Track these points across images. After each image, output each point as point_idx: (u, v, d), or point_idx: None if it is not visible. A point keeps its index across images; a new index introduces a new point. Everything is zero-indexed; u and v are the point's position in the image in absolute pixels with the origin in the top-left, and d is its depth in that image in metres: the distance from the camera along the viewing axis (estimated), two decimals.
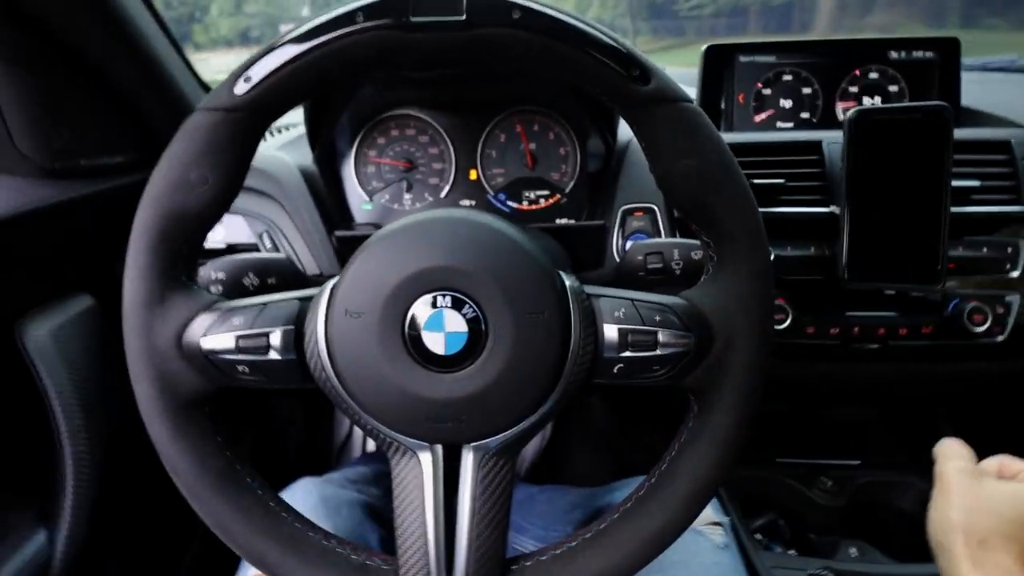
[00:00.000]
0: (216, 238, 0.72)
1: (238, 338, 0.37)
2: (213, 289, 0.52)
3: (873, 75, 0.80)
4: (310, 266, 0.72)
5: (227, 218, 0.74)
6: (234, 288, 0.52)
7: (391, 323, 0.36)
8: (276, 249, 0.71)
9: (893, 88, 0.80)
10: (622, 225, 0.72)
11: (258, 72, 0.35)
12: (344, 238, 0.68)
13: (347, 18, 0.34)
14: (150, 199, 0.37)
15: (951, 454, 0.44)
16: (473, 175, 0.79)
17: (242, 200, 0.73)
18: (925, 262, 0.62)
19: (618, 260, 0.71)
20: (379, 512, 0.65)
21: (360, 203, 0.80)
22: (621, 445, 1.15)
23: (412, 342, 0.36)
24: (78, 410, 0.59)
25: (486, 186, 0.79)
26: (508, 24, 0.34)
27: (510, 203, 0.78)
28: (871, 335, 0.70)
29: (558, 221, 0.78)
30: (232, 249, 0.72)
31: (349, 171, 0.80)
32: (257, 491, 0.40)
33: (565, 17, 0.34)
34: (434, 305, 0.36)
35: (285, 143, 0.82)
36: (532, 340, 0.36)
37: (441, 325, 0.35)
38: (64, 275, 0.67)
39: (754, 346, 0.38)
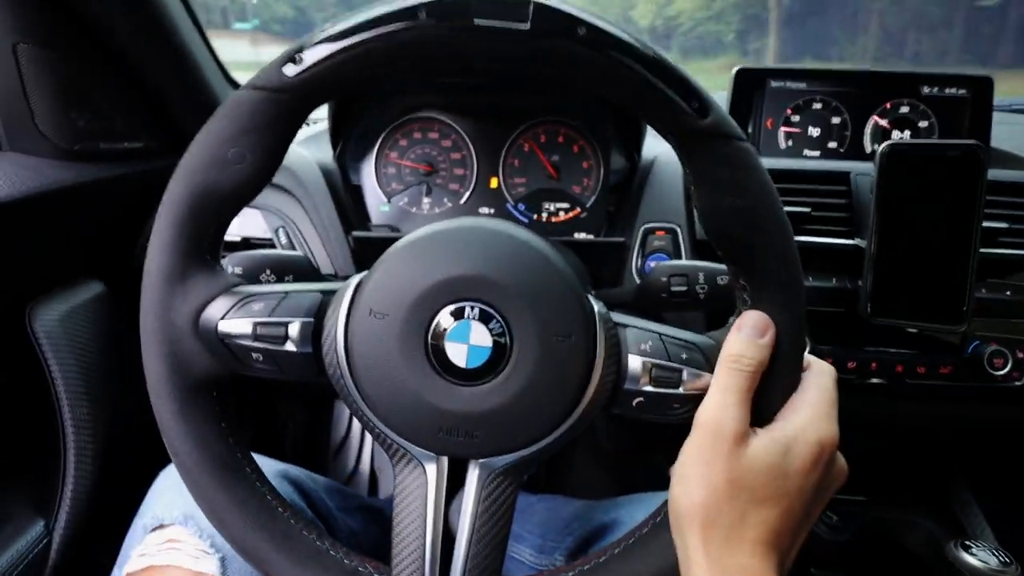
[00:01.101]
0: (232, 230, 0.71)
1: (256, 324, 0.37)
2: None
3: (904, 109, 0.79)
4: (325, 265, 0.71)
5: (245, 211, 0.73)
6: (251, 283, 0.51)
7: (415, 328, 0.35)
8: (292, 246, 0.70)
9: (923, 124, 0.79)
10: (643, 244, 0.71)
11: (311, 56, 0.34)
12: (362, 239, 0.67)
13: (409, 13, 0.33)
14: (183, 173, 0.36)
15: (736, 354, 0.34)
16: (494, 183, 0.78)
17: (261, 194, 0.73)
18: (950, 302, 0.61)
19: (637, 279, 0.70)
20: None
21: (378, 204, 0.79)
22: (623, 460, 1.14)
23: (434, 350, 0.35)
24: (83, 399, 0.58)
25: (506, 195, 0.78)
26: (572, 38, 0.33)
27: (529, 214, 0.78)
28: (889, 371, 0.69)
29: (576, 236, 0.77)
30: (247, 243, 0.71)
31: (369, 171, 0.79)
32: (255, 483, 0.39)
33: (631, 39, 0.33)
34: (461, 315, 0.35)
35: (306, 138, 0.82)
36: (555, 363, 0.35)
37: (466, 337, 0.35)
38: (77, 260, 0.66)
39: (786, 397, 0.36)
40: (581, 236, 0.77)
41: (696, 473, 0.33)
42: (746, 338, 0.35)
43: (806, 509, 0.34)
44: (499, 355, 0.35)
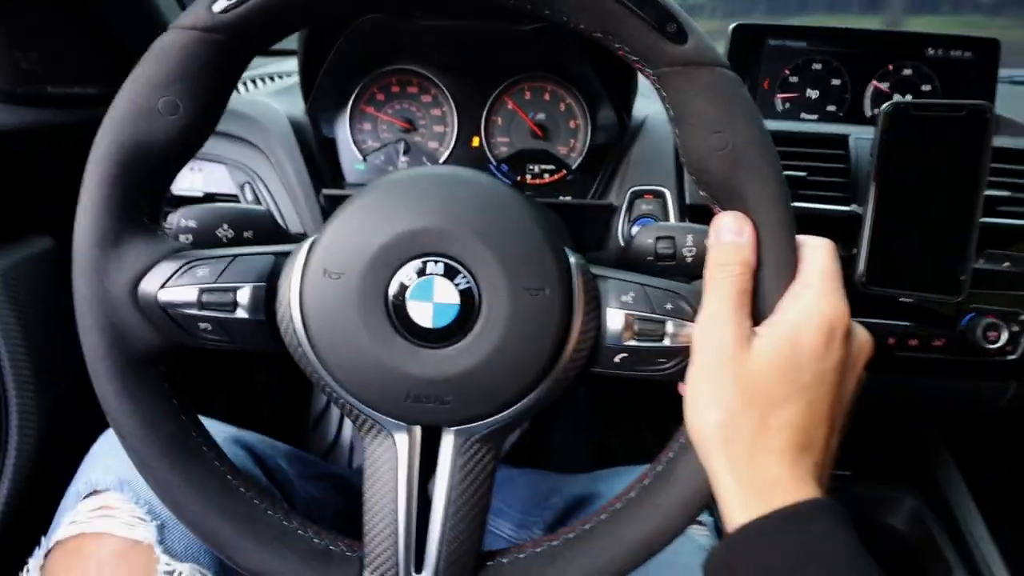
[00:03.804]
0: (194, 186, 0.66)
1: (201, 291, 0.34)
2: (183, 238, 0.48)
3: (907, 71, 0.76)
4: (294, 224, 0.67)
5: (207, 166, 0.69)
6: (206, 238, 0.47)
7: (373, 288, 0.32)
8: (258, 202, 0.66)
9: (926, 87, 0.76)
10: (629, 207, 0.68)
11: None
12: (333, 197, 0.64)
13: None
14: (110, 125, 0.33)
15: (724, 257, 0.32)
16: (476, 142, 0.74)
17: (224, 147, 0.68)
18: (948, 272, 0.59)
19: (622, 244, 0.67)
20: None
21: (353, 162, 0.75)
22: (603, 432, 1.12)
23: (396, 311, 0.32)
24: (25, 360, 0.54)
25: (488, 155, 0.74)
26: None
27: (513, 175, 0.74)
28: (880, 343, 0.66)
29: (561, 198, 0.74)
30: (210, 198, 0.67)
31: (344, 127, 0.74)
32: (213, 462, 0.37)
33: None
34: (423, 272, 0.32)
35: (276, 91, 0.77)
36: (529, 319, 0.33)
37: (430, 294, 0.32)
38: (24, 212, 0.61)
39: None
40: (566, 199, 0.73)
41: (706, 394, 0.31)
42: (725, 241, 0.32)
43: (833, 398, 0.31)
44: (467, 313, 0.32)
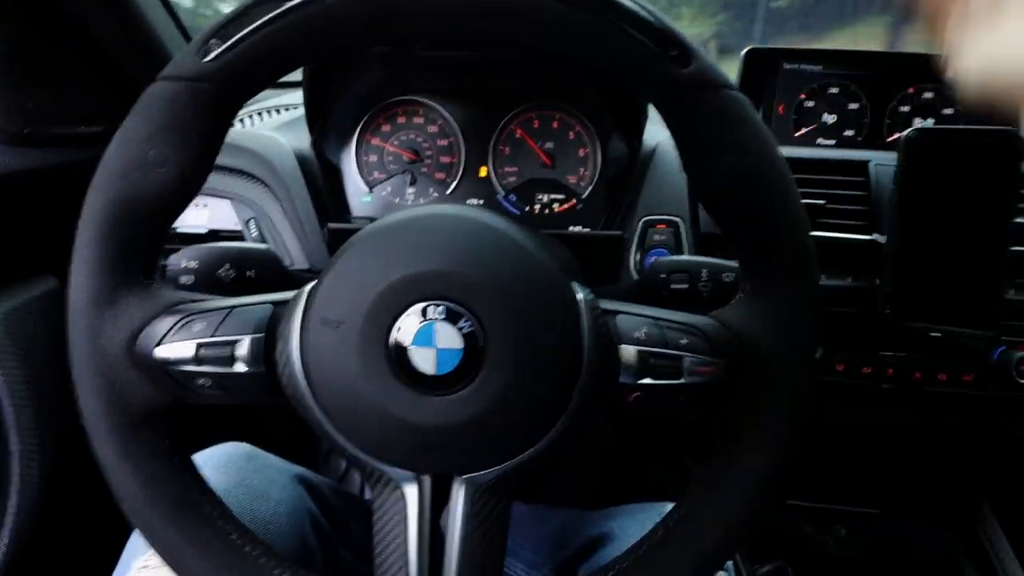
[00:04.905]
0: (198, 222, 0.66)
1: (199, 346, 0.33)
2: (184, 279, 0.47)
3: (927, 94, 0.73)
4: (300, 261, 0.66)
5: (212, 202, 0.68)
6: (207, 280, 0.46)
7: (374, 336, 0.31)
8: (263, 239, 0.65)
9: (948, 111, 0.74)
10: (642, 238, 0.66)
11: (229, 36, 0.30)
12: (337, 231, 0.62)
13: None
14: (100, 180, 0.32)
15: None
16: (483, 172, 0.73)
17: (230, 183, 0.68)
18: (979, 304, 0.56)
19: (636, 276, 0.65)
20: (322, 497, 0.57)
21: (360, 195, 0.74)
22: (622, 465, 1.09)
23: (398, 359, 0.31)
24: (28, 404, 0.53)
25: (497, 185, 0.73)
26: None
27: (521, 205, 0.72)
28: (906, 378, 0.64)
29: (572, 229, 0.72)
30: (214, 235, 0.66)
31: (350, 159, 0.74)
32: (217, 520, 0.35)
33: None
34: (424, 316, 0.31)
35: (281, 124, 0.76)
36: (536, 361, 0.31)
37: (432, 340, 0.31)
38: (28, 253, 0.61)
39: (796, 382, 0.33)
40: (576, 229, 0.72)
41: None
42: None
43: None
44: (472, 358, 0.31)
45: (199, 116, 0.32)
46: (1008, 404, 0.65)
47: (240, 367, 0.33)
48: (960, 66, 0.24)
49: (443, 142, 0.73)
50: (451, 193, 0.73)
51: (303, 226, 0.66)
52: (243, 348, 0.33)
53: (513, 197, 0.72)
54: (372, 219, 0.73)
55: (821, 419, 0.72)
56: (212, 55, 0.30)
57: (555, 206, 0.72)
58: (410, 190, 0.73)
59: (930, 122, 0.75)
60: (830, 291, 0.62)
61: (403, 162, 0.74)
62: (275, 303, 0.34)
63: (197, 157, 0.33)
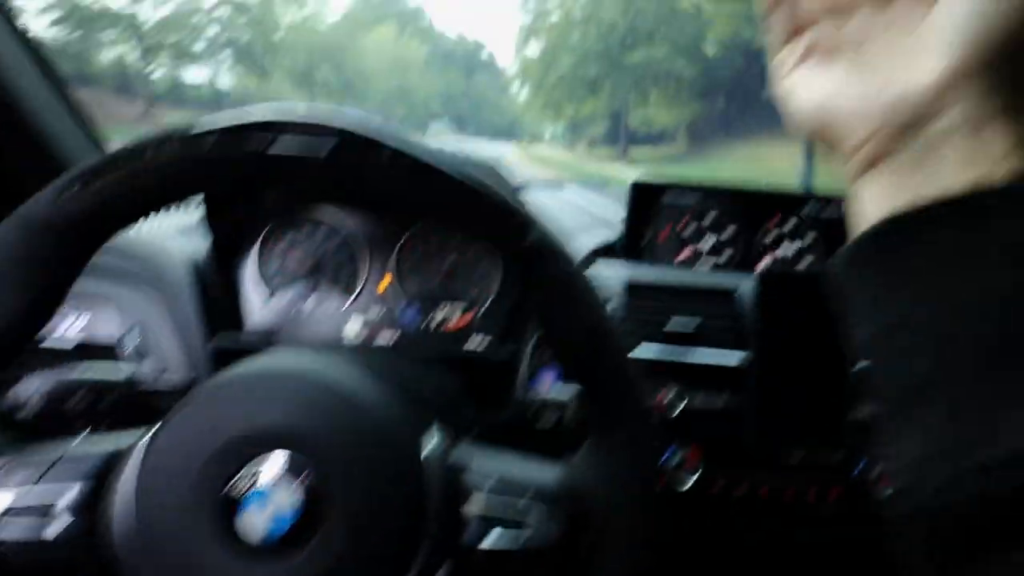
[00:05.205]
0: (68, 334, 0.63)
1: (9, 508, 0.31)
2: (28, 406, 0.44)
3: (789, 226, 0.82)
4: (184, 372, 0.64)
5: (96, 306, 0.66)
6: (50, 413, 0.44)
7: (203, 500, 0.30)
8: (140, 351, 0.63)
9: (809, 237, 0.82)
10: (534, 354, 0.68)
11: (82, 183, 0.31)
12: (220, 349, 0.61)
13: (193, 140, 0.30)
14: None
15: None
16: (384, 284, 0.75)
17: (116, 288, 0.66)
18: (830, 425, 0.61)
19: (522, 398, 0.66)
20: None
21: (257, 305, 0.73)
22: None
23: (227, 524, 0.30)
24: None
25: (396, 297, 0.74)
26: (374, 164, 0.31)
27: (420, 318, 0.74)
28: (779, 497, 0.67)
29: (470, 341, 0.74)
30: (83, 348, 0.63)
31: (250, 268, 0.73)
32: None
33: (429, 158, 0.32)
34: (257, 478, 0.30)
35: (179, 228, 0.76)
36: (374, 524, 0.30)
37: (265, 502, 0.30)
38: None
39: (636, 537, 0.34)
40: (470, 347, 0.73)
41: None
42: None
43: None
44: (308, 522, 0.30)
45: (41, 259, 0.32)
46: (872, 517, 0.68)
47: (53, 529, 0.31)
48: (792, 104, 0.26)
49: (345, 254, 0.75)
50: (351, 305, 0.74)
51: (189, 336, 0.64)
52: (63, 503, 0.31)
53: (412, 310, 0.74)
54: (267, 331, 0.72)
55: (704, 541, 0.73)
56: (64, 200, 0.31)
57: (454, 318, 0.74)
58: (310, 301, 0.74)
59: (797, 244, 0.82)
60: (704, 414, 0.65)
61: (304, 273, 0.74)
62: (112, 454, 0.33)
63: (33, 301, 0.32)
